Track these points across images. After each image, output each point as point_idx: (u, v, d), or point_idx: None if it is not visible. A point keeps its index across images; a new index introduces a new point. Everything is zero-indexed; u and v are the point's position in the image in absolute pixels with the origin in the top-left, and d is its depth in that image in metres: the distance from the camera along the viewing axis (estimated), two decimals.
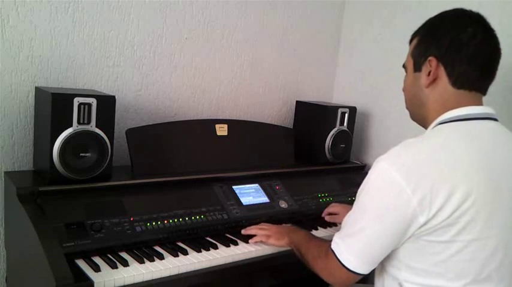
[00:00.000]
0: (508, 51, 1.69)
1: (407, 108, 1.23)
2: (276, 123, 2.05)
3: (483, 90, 1.12)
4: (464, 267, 0.98)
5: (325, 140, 1.95)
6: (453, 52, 1.07)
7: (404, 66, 1.22)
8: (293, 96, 2.19)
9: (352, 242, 1.06)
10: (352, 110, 2.03)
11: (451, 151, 1.00)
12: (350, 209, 1.10)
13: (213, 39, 1.88)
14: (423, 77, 1.12)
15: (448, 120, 1.07)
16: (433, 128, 1.10)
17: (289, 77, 2.18)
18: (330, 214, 1.68)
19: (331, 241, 1.12)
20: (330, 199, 1.80)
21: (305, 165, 1.95)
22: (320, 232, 1.59)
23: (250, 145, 1.81)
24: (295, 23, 2.14)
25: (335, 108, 1.97)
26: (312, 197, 1.77)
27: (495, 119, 1.09)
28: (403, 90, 1.23)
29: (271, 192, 1.70)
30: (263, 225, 1.48)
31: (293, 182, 1.79)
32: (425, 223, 0.96)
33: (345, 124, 2.00)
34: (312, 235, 1.37)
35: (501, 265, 1.00)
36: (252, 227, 1.47)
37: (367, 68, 2.21)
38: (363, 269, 1.06)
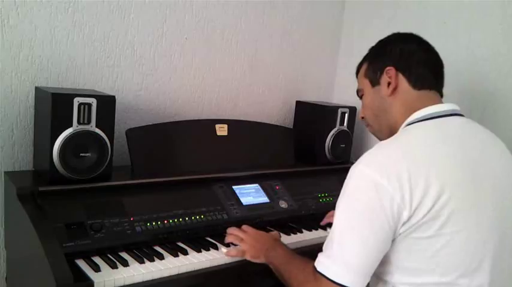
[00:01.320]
0: (509, 51, 1.70)
1: (373, 131, 1.27)
2: (276, 123, 2.05)
3: (440, 91, 1.17)
4: (454, 260, 0.98)
5: (325, 140, 1.95)
6: (406, 58, 1.15)
7: (358, 92, 1.28)
8: (293, 96, 2.19)
9: (342, 256, 1.01)
10: (352, 110, 2.02)
11: (423, 145, 1.02)
12: None
13: (213, 39, 1.88)
14: (383, 88, 1.17)
15: (416, 120, 1.10)
16: (402, 129, 1.12)
17: (289, 77, 2.18)
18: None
19: (314, 260, 1.07)
20: (330, 199, 1.80)
21: (305, 165, 1.95)
22: (320, 233, 1.59)
23: (250, 145, 1.81)
24: (295, 23, 2.14)
25: (335, 108, 1.97)
26: (312, 197, 1.77)
27: (461, 115, 1.12)
28: (363, 116, 1.27)
29: (271, 192, 1.70)
30: (240, 232, 1.37)
31: (293, 182, 1.78)
32: (408, 219, 0.96)
33: (345, 124, 2.00)
34: (292, 253, 1.25)
35: (492, 257, 1.01)
36: (231, 231, 1.39)
37: None
38: (358, 283, 1.00)
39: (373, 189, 0.97)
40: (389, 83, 1.15)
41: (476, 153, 1.05)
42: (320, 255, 1.07)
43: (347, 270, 1.00)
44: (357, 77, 1.30)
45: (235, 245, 1.38)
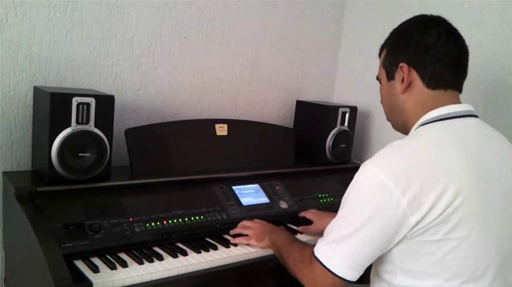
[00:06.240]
0: (509, 50, 1.69)
1: (388, 119, 1.25)
2: (276, 123, 2.04)
3: (458, 88, 1.13)
4: (460, 265, 0.98)
5: (326, 140, 1.94)
6: (422, 54, 1.09)
7: (377, 78, 1.24)
8: (293, 96, 2.18)
9: (340, 248, 1.03)
10: (353, 110, 2.02)
11: (438, 149, 1.00)
12: (326, 217, 1.07)
13: (212, 38, 1.87)
14: (397, 84, 1.14)
15: (430, 120, 1.08)
16: (415, 129, 1.10)
17: (289, 76, 2.18)
18: (305, 218, 1.63)
19: (314, 245, 1.10)
20: (330, 200, 1.79)
21: (305, 165, 1.94)
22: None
23: (250, 145, 1.80)
24: (295, 23, 2.13)
25: (336, 108, 1.97)
26: (312, 198, 1.76)
27: (475, 116, 1.10)
28: (381, 102, 1.25)
29: (271, 192, 1.69)
30: (247, 223, 1.45)
31: (293, 183, 1.78)
32: (416, 224, 0.96)
33: (346, 124, 1.99)
34: (295, 237, 1.34)
35: (496, 262, 1.00)
36: (238, 226, 1.45)
37: (368, 68, 2.20)
38: (351, 275, 1.03)
39: (380, 190, 0.97)
40: (403, 79, 1.12)
41: (490, 156, 1.04)
42: (320, 241, 1.09)
43: (342, 261, 1.02)
44: (379, 57, 1.24)
45: (236, 246, 1.38)
